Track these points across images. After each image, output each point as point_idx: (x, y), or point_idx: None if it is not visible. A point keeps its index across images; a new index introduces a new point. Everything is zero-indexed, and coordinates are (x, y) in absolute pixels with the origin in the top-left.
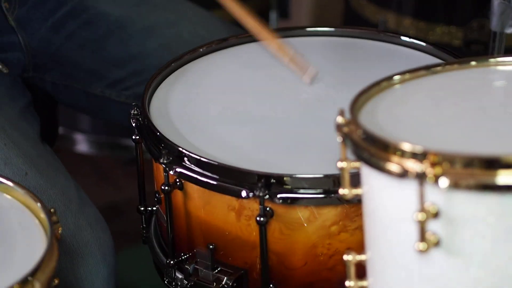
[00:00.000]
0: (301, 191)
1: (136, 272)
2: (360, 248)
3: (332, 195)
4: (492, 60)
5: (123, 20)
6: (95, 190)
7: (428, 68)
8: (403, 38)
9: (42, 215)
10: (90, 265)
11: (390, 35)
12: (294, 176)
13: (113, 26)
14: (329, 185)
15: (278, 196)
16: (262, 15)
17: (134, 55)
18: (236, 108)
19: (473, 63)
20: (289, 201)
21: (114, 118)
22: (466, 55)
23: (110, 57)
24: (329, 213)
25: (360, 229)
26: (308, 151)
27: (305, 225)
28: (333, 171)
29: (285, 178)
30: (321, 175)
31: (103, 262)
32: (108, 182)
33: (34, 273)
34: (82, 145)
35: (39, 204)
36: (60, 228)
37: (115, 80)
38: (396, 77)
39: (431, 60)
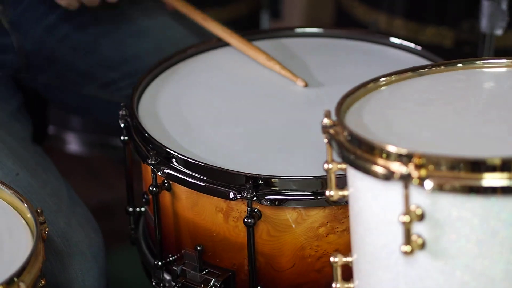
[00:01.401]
0: (289, 192)
1: (127, 272)
2: (348, 250)
3: (320, 197)
4: (478, 62)
5: (116, 22)
6: (87, 190)
7: (415, 69)
8: (392, 39)
9: (29, 215)
10: (81, 265)
11: (379, 36)
12: (282, 177)
13: (106, 28)
14: (317, 186)
15: (266, 197)
16: (254, 15)
17: (127, 57)
18: (225, 109)
19: (460, 65)
20: (277, 202)
21: (106, 119)
22: (457, 56)
23: (103, 59)
24: (317, 215)
25: (348, 231)
26: (296, 152)
27: (293, 226)
28: (321, 172)
29: (273, 180)
30: (309, 177)
31: (94, 261)
32: (100, 182)
33: (19, 273)
34: (73, 144)
35: (25, 205)
36: (46, 229)
37: (108, 81)
38: (383, 79)
39: (419, 61)
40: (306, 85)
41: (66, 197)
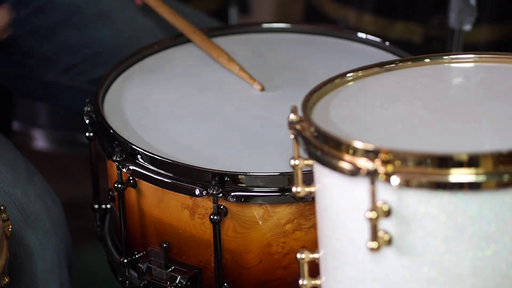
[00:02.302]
0: (256, 189)
1: (93, 269)
2: (315, 246)
3: (287, 193)
4: (446, 57)
5: (75, 5)
6: (55, 187)
7: (382, 65)
8: (359, 34)
9: None
10: (40, 236)
11: (347, 31)
12: (248, 174)
13: (65, 12)
14: (284, 183)
15: (232, 194)
16: (222, 11)
17: (88, 40)
18: (191, 105)
19: (427, 60)
20: (243, 199)
21: (71, 105)
22: (426, 52)
23: (63, 43)
24: (284, 212)
25: (315, 227)
26: (263, 149)
27: (260, 223)
28: (288, 169)
29: (239, 176)
30: (276, 173)
31: (53, 233)
32: (67, 179)
33: None
34: (40, 141)
35: None
36: (10, 226)
37: (69, 66)
38: (350, 74)
39: (387, 57)
40: (262, 89)
41: (23, 169)
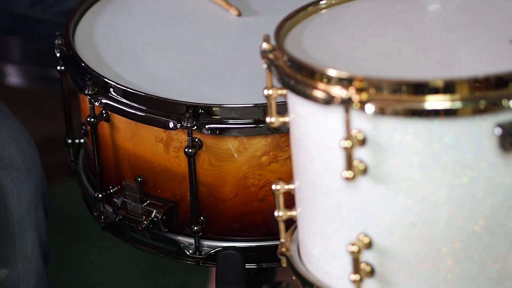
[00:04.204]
0: (230, 121)
1: (68, 205)
2: (291, 178)
3: (262, 125)
4: None
5: None
6: (29, 123)
7: None
8: None
9: None
10: (14, 177)
11: None
12: (222, 106)
13: None
14: (259, 114)
15: (207, 126)
16: None
17: None
18: (164, 37)
19: None
20: (217, 131)
21: (42, 38)
22: None
23: None
24: (259, 143)
25: (291, 159)
26: (237, 80)
27: (235, 156)
28: (262, 100)
29: (213, 108)
30: (250, 105)
31: (28, 174)
32: (41, 115)
33: None
34: (13, 77)
35: None
36: None
37: None
38: (323, 2)
39: None
40: (239, 14)
41: None
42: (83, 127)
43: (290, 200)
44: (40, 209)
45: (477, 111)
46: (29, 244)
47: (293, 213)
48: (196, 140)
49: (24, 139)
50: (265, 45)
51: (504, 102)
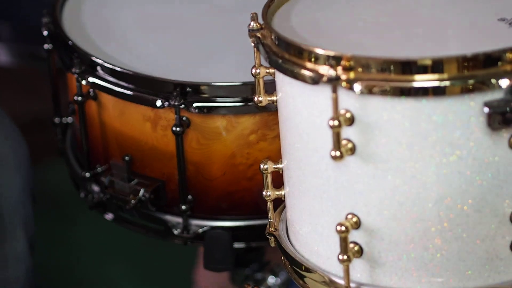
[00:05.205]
0: (218, 99)
1: (55, 184)
2: (279, 157)
3: (250, 103)
4: None
5: None
6: (16, 102)
7: None
8: None
9: None
10: (4, 176)
11: None
12: (210, 84)
13: None
14: (247, 93)
15: (194, 105)
16: None
17: None
18: (152, 15)
19: None
20: (205, 110)
21: (31, 20)
22: None
23: None
24: (248, 122)
25: (279, 137)
26: (226, 58)
27: (223, 134)
28: (251, 78)
29: (201, 87)
30: (238, 83)
31: (17, 171)
32: (29, 93)
33: None
34: (1, 56)
35: None
36: None
37: None
38: None
39: None
40: None
41: None
42: (70, 106)
43: (278, 179)
44: (28, 205)
45: (466, 90)
46: (19, 243)
47: (281, 192)
48: (184, 118)
49: (15, 136)
50: (252, 24)
51: (492, 80)
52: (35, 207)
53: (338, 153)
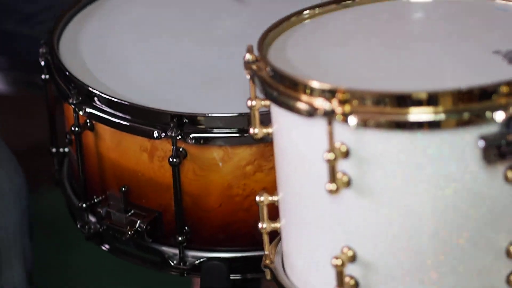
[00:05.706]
0: (215, 130)
1: (52, 214)
2: (276, 188)
3: (247, 134)
4: None
5: None
6: (12, 130)
7: (339, 1)
8: None
9: None
10: (2, 207)
11: None
12: (207, 115)
13: None
14: (243, 124)
15: (191, 136)
16: None
17: None
18: (149, 46)
19: None
20: (202, 141)
21: (31, 56)
22: None
23: None
24: (244, 153)
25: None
26: (222, 89)
27: (220, 165)
28: (247, 109)
29: (198, 118)
30: (235, 114)
31: (14, 203)
32: (26, 122)
33: None
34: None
35: None
36: None
37: (28, 14)
38: (306, 12)
39: None
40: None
41: None
42: (67, 136)
43: (274, 211)
44: (26, 237)
45: (461, 123)
46: (16, 273)
47: (277, 224)
48: (181, 149)
49: (12, 167)
50: (248, 56)
51: (487, 114)
52: (33, 236)
53: (334, 186)
